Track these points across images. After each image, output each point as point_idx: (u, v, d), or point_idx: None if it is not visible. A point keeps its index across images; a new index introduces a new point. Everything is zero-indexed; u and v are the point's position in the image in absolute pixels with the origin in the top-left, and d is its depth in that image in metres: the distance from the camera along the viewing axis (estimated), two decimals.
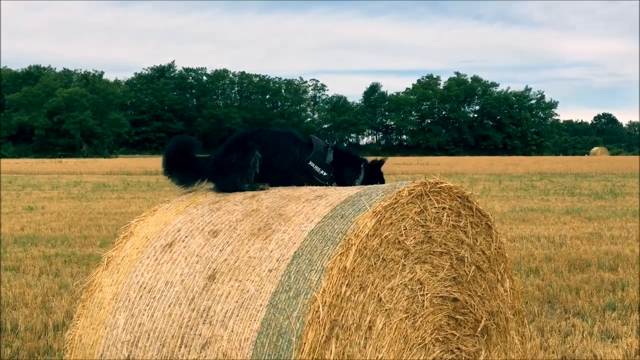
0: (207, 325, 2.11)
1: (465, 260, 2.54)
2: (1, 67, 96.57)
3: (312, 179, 2.76)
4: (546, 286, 7.58)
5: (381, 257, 2.18)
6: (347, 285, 2.03)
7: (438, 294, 2.42)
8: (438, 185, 2.41)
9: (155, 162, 52.30)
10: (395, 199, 2.24)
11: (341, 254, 2.04)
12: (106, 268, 2.59)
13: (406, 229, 2.27)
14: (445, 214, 2.44)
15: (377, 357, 2.14)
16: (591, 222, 13.97)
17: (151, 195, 20.65)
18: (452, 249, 2.49)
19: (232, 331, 2.05)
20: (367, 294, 2.11)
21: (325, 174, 2.75)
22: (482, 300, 2.62)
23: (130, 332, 2.30)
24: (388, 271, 2.21)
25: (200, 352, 2.07)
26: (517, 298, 2.84)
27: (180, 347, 2.14)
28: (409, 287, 2.29)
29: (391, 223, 2.21)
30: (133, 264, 2.50)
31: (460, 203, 2.52)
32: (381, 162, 2.90)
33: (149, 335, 2.24)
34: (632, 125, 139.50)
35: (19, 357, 4.89)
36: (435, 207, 2.40)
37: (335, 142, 2.96)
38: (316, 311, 1.93)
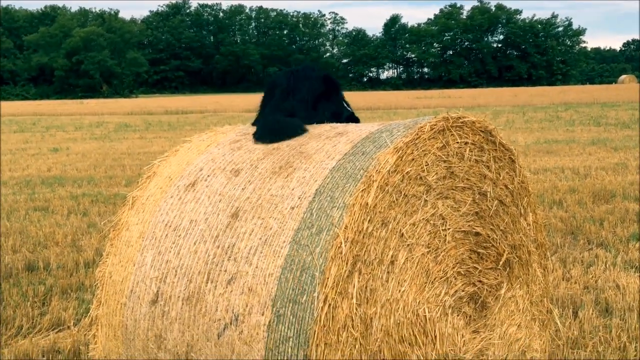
0: (232, 261, 2.15)
1: (488, 195, 2.53)
2: (17, 8, 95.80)
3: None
4: (569, 218, 7.57)
5: (403, 193, 2.17)
6: (369, 221, 2.04)
7: (460, 228, 2.43)
8: (460, 120, 2.37)
9: (176, 101, 52.34)
10: (417, 134, 2.21)
11: (363, 190, 2.04)
12: (132, 208, 2.64)
13: (428, 164, 2.25)
14: (468, 148, 2.41)
15: (400, 290, 2.17)
16: (617, 152, 13.76)
17: (173, 135, 20.78)
18: (475, 183, 2.47)
19: (256, 267, 2.09)
20: (389, 230, 2.13)
21: (351, 110, 2.75)
22: (505, 234, 2.62)
23: (158, 269, 2.36)
24: (410, 207, 2.22)
25: (227, 287, 2.13)
26: (539, 231, 2.84)
27: (207, 283, 2.19)
28: (431, 222, 2.30)
29: (413, 159, 2.19)
30: (157, 204, 2.54)
31: (483, 137, 2.48)
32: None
33: (176, 271, 2.30)
34: None
35: (52, 294, 5.08)
36: (457, 142, 2.36)
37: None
38: (339, 247, 1.96)
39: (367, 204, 2.02)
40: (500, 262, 2.59)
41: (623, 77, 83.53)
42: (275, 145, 2.52)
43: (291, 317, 1.94)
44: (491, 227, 2.56)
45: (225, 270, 2.15)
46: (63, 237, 6.91)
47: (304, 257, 1.99)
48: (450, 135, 2.33)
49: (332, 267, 1.93)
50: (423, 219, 2.25)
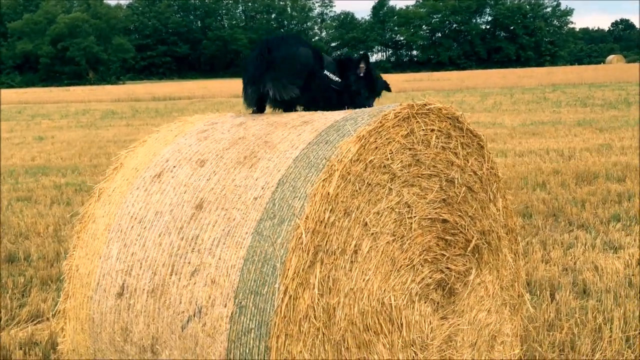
0: (196, 253, 2.14)
1: (456, 182, 2.52)
2: None
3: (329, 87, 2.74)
4: (552, 200, 7.60)
5: (366, 181, 2.16)
6: (330, 211, 2.03)
7: (427, 216, 2.42)
8: (426, 107, 2.35)
9: (163, 88, 51.92)
10: (381, 122, 2.20)
11: (324, 180, 2.02)
12: (98, 200, 2.62)
13: (392, 152, 2.23)
14: (434, 136, 2.39)
15: (364, 279, 2.17)
16: (602, 133, 13.82)
17: (160, 122, 20.63)
18: (442, 170, 2.46)
19: (219, 258, 2.08)
20: (352, 219, 2.12)
21: (338, 80, 2.74)
22: (473, 220, 2.62)
23: (124, 262, 2.34)
24: (374, 195, 2.21)
25: (190, 279, 2.12)
26: (510, 217, 2.84)
27: (171, 275, 2.18)
28: (396, 210, 2.29)
29: (376, 147, 2.18)
30: (123, 195, 2.52)
31: (450, 124, 2.47)
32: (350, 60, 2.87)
33: (141, 264, 2.28)
34: None
35: (32, 285, 5.06)
36: (423, 130, 2.35)
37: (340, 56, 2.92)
38: (299, 237, 1.95)
39: (328, 193, 2.01)
40: (469, 249, 2.59)
41: (611, 57, 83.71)
42: (241, 134, 2.50)
43: (253, 309, 1.94)
44: (459, 213, 2.55)
45: (189, 262, 2.14)
46: (45, 227, 6.87)
47: (265, 248, 1.99)
48: (415, 122, 2.32)
49: (292, 258, 1.92)
50: (388, 207, 2.24)
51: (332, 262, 2.04)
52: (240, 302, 1.95)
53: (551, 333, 3.86)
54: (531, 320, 3.85)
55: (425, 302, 2.44)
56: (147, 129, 18.22)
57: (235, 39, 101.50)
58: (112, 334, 2.30)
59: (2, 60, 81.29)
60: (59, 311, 2.58)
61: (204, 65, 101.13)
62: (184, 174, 2.41)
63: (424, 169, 2.38)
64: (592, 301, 4.39)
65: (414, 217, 2.35)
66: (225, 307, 1.98)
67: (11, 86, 72.44)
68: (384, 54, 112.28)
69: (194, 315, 2.04)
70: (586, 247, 5.77)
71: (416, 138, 2.33)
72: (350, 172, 2.08)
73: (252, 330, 1.91)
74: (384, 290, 2.24)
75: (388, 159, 2.21)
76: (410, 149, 2.31)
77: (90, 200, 2.66)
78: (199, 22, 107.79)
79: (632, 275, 4.92)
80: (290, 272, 1.89)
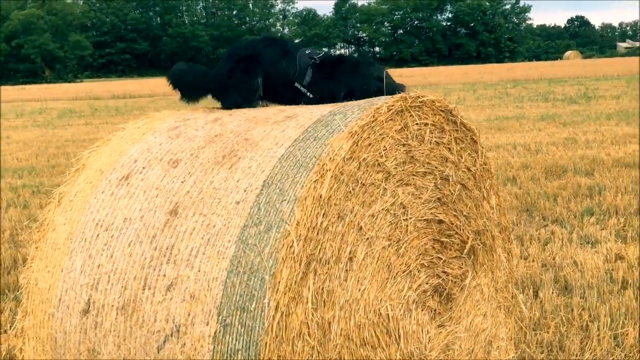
0: (172, 264, 1.91)
1: (450, 179, 2.36)
2: None
3: (302, 101, 2.55)
4: (524, 194, 7.57)
5: (360, 181, 1.97)
6: (323, 215, 1.83)
7: (422, 217, 2.25)
8: (419, 100, 2.17)
9: (123, 85, 50.79)
10: (373, 116, 2.01)
11: (315, 181, 1.82)
12: (58, 205, 2.36)
13: (386, 149, 2.05)
14: (428, 130, 2.22)
15: (360, 289, 1.98)
16: (566, 127, 13.99)
17: (120, 120, 20.07)
18: (436, 167, 2.29)
19: (199, 270, 1.86)
20: (345, 223, 1.92)
21: (311, 95, 2.52)
22: (468, 220, 2.46)
23: (89, 275, 2.10)
24: (368, 197, 2.02)
25: (166, 294, 1.89)
26: (503, 214, 2.69)
27: (144, 289, 1.95)
28: (391, 212, 2.11)
29: (369, 144, 1.99)
30: (87, 200, 2.27)
31: (443, 118, 2.30)
32: (359, 62, 2.64)
33: (109, 277, 2.04)
34: (604, 27, 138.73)
35: None
36: (417, 124, 2.17)
37: (322, 54, 2.68)
38: (290, 246, 1.74)
39: (320, 196, 1.81)
40: (465, 250, 2.43)
41: (568, 53, 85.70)
42: (218, 131, 2.28)
43: (239, 327, 1.72)
44: (454, 213, 2.39)
45: (164, 275, 1.91)
46: (1, 232, 6.48)
47: (251, 259, 1.78)
48: (409, 116, 2.14)
49: (283, 269, 1.71)
50: (383, 209, 2.06)
51: (326, 272, 1.85)
52: (225, 320, 1.74)
53: (538, 332, 3.75)
54: (518, 320, 3.73)
55: (422, 310, 2.26)
56: (107, 127, 17.69)
57: (196, 35, 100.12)
58: (78, 355, 2.06)
59: None
60: (17, 330, 2.31)
61: (164, 62, 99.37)
62: (155, 176, 2.18)
63: (419, 166, 2.21)
64: (576, 298, 4.30)
65: (410, 218, 2.17)
66: (207, 325, 1.76)
67: None
68: (347, 50, 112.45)
69: (171, 335, 1.82)
70: (563, 242, 5.71)
71: (410, 133, 2.15)
72: (343, 171, 1.89)
73: (239, 352, 1.70)
74: (381, 300, 2.05)
75: (382, 156, 2.02)
76: (404, 145, 2.13)
77: (50, 206, 2.40)
78: (158, 19, 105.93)
79: (613, 270, 4.87)
80: (282, 286, 1.69)
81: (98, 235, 2.14)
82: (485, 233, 2.55)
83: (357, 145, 1.93)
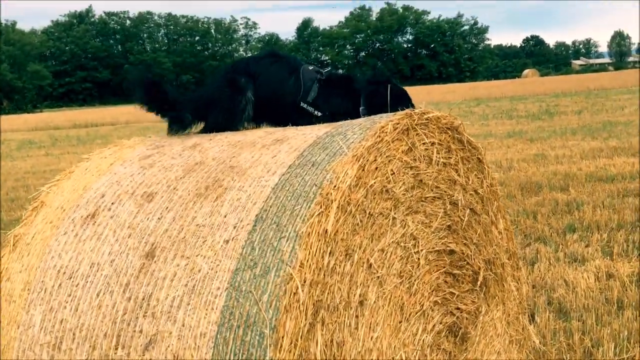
0: (150, 318, 1.61)
1: (459, 204, 2.12)
2: None
3: (311, 122, 2.26)
4: None
5: (367, 212, 1.72)
6: (329, 253, 1.57)
7: (433, 248, 2.00)
8: (425, 116, 1.94)
9: (84, 114, 49.75)
10: (379, 136, 1.76)
11: (319, 213, 1.56)
12: (13, 250, 2.03)
13: (394, 173, 1.80)
14: (435, 150, 1.99)
15: (372, 336, 1.71)
16: (534, 143, 14.05)
17: (82, 150, 19.47)
18: (445, 191, 2.06)
19: (183, 325, 1.56)
20: (354, 262, 1.66)
21: (319, 114, 2.25)
22: (478, 248, 2.23)
23: (50, 332, 1.78)
24: (377, 229, 1.76)
25: (144, 354, 1.59)
26: (510, 239, 2.47)
27: (117, 349, 1.64)
28: (402, 244, 1.86)
29: (376, 168, 1.74)
30: (47, 243, 1.95)
31: (449, 136, 2.07)
32: (384, 80, 2.37)
33: (74, 334, 1.73)
34: (558, 45, 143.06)
35: None
36: (424, 143, 1.94)
37: (329, 69, 2.42)
38: (294, 292, 1.47)
39: (326, 230, 1.55)
40: (478, 283, 2.19)
41: (526, 71, 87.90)
42: (198, 158, 2.00)
43: None
44: (464, 241, 2.15)
45: (141, 331, 1.61)
46: None
47: (247, 309, 1.49)
48: (415, 135, 1.90)
49: (286, 321, 1.44)
50: (393, 242, 1.80)
51: (335, 321, 1.58)
52: None
53: None
54: (529, 354, 3.50)
55: (437, 354, 2.00)
56: (70, 157, 17.09)
57: (158, 62, 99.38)
58: None
59: None
60: None
61: (126, 90, 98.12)
62: (126, 213, 1.88)
63: (427, 190, 1.97)
64: (575, 322, 4.10)
65: (421, 250, 1.92)
66: None
67: None
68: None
69: None
70: (550, 261, 5.54)
71: (418, 154, 1.91)
72: (350, 201, 1.63)
73: None
74: (395, 348, 1.79)
75: (390, 181, 1.77)
76: (412, 168, 1.89)
77: (4, 250, 2.07)
78: (119, 46, 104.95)
79: (606, 289, 4.70)
80: (285, 341, 1.41)
81: (60, 284, 1.83)
82: (495, 261, 2.32)
83: (363, 170, 1.68)
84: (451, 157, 2.08)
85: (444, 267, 2.06)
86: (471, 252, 2.18)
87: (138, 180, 1.99)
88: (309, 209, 1.58)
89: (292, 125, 2.21)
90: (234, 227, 1.64)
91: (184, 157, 2.04)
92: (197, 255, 1.64)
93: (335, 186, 1.61)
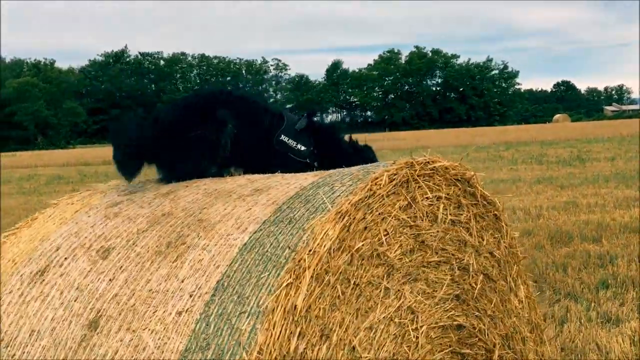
0: None
1: (470, 269, 1.81)
2: None
3: (287, 160, 1.99)
4: (530, 264, 7.00)
5: (352, 281, 1.43)
6: (299, 335, 1.27)
7: (437, 322, 1.69)
8: (430, 166, 1.66)
9: None
10: (370, 189, 1.48)
11: (288, 284, 1.28)
12: None
13: (388, 234, 1.51)
14: (442, 206, 1.70)
15: None
16: (564, 190, 13.57)
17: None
18: (453, 255, 1.75)
19: None
20: (332, 344, 1.36)
21: (303, 147, 1.99)
22: (494, 321, 1.90)
23: None
24: (364, 302, 1.46)
25: None
26: (533, 309, 2.13)
27: None
28: (396, 320, 1.55)
29: (366, 227, 1.45)
30: None
31: (460, 189, 1.78)
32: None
33: None
34: (590, 91, 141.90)
35: None
36: (427, 198, 1.65)
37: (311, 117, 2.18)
38: None
39: (295, 306, 1.26)
40: None
41: (557, 116, 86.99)
42: (167, 208, 1.74)
43: None
44: (476, 313, 1.83)
45: None
46: None
47: None
48: (417, 188, 1.61)
49: None
50: (385, 317, 1.50)
51: None
52: None
53: None
54: None
55: None
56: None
57: None
58: None
59: None
60: None
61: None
62: (77, 271, 1.62)
63: (431, 254, 1.67)
64: None
65: (421, 327, 1.61)
66: None
67: None
68: (339, 114, 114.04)
69: None
70: (581, 321, 5.10)
71: (419, 210, 1.62)
72: (328, 269, 1.34)
73: None
74: None
75: (382, 244, 1.49)
76: (411, 227, 1.59)
77: None
78: (153, 86, 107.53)
79: None
80: None
81: None
82: (515, 336, 1.99)
83: (348, 230, 1.39)
84: (461, 214, 1.78)
85: (449, 346, 1.73)
86: (485, 326, 1.85)
87: (98, 232, 1.74)
88: (278, 277, 1.30)
89: (267, 166, 1.94)
90: (190, 296, 1.37)
91: (153, 207, 1.78)
92: (144, 329, 1.36)
93: (311, 250, 1.32)
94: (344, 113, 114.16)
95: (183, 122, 1.93)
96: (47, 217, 1.99)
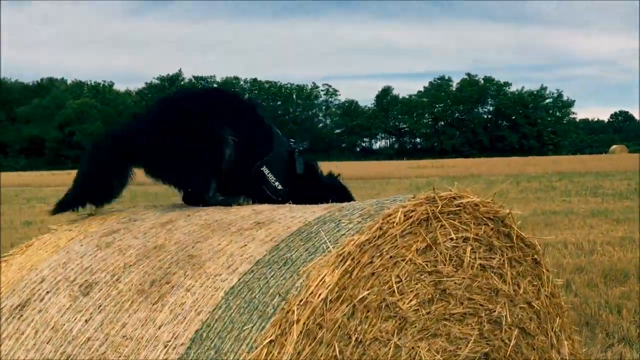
0: None
1: (503, 322, 1.56)
2: (12, 81, 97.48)
3: (259, 193, 1.81)
4: (582, 304, 6.55)
5: (354, 338, 1.21)
6: None
7: None
8: (455, 202, 1.43)
9: None
10: (380, 228, 1.27)
11: (271, 341, 1.08)
12: None
13: (401, 280, 1.29)
14: (469, 248, 1.46)
15: None
16: (620, 224, 12.88)
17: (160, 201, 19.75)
18: (482, 305, 1.51)
19: None
20: None
21: (280, 187, 1.79)
22: None
23: None
24: None
25: None
26: None
27: None
28: None
29: (373, 273, 1.24)
30: None
31: (492, 229, 1.54)
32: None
33: None
34: None
35: None
36: (451, 239, 1.42)
37: (304, 145, 2.00)
38: None
39: None
40: None
41: (614, 147, 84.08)
42: (161, 240, 1.57)
43: None
44: None
45: None
46: None
47: None
48: (439, 227, 1.39)
49: None
50: None
51: None
52: None
53: None
54: None
55: None
56: None
57: None
58: None
59: (9, 143, 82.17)
60: None
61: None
62: (56, 308, 1.46)
63: (454, 305, 1.43)
64: None
65: None
66: None
67: (15, 169, 72.68)
68: (388, 141, 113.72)
69: None
70: None
71: (441, 254, 1.39)
72: (323, 322, 1.14)
73: None
74: None
75: (394, 292, 1.27)
76: (431, 273, 1.37)
77: None
78: None
79: None
80: None
81: None
82: None
83: (350, 276, 1.18)
84: (493, 258, 1.54)
85: None
86: None
87: (85, 264, 1.58)
88: (262, 331, 1.10)
89: (237, 192, 1.74)
90: (165, 347, 1.18)
91: (147, 237, 1.62)
92: None
93: (302, 300, 1.12)
94: (393, 139, 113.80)
95: (173, 131, 1.75)
96: (42, 243, 1.86)
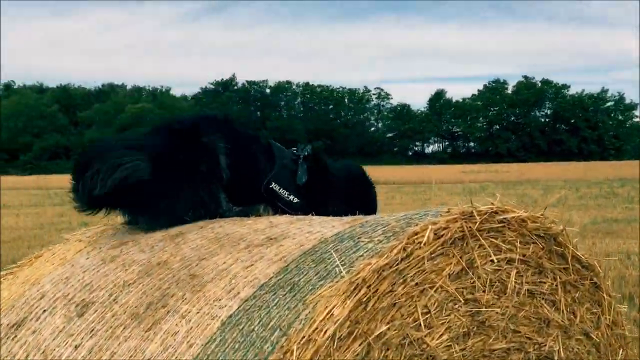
0: None
1: (556, 357, 1.33)
2: (75, 86, 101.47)
3: (277, 209, 1.66)
4: None
5: None
6: None
7: None
8: (497, 217, 1.22)
9: None
10: (405, 249, 1.07)
11: None
12: None
13: (429, 312, 1.09)
14: (514, 271, 1.24)
15: None
16: None
17: None
18: (530, 339, 1.29)
19: None
20: None
21: (295, 200, 1.64)
22: None
23: None
24: None
25: None
26: None
27: None
28: None
29: (395, 304, 1.04)
30: None
31: (542, 249, 1.31)
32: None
33: None
34: None
35: None
36: (492, 262, 1.21)
37: (307, 150, 1.84)
38: None
39: None
40: None
41: None
42: (166, 256, 1.42)
43: None
44: None
45: None
46: None
47: None
48: (477, 247, 1.18)
49: None
50: None
51: None
52: None
53: None
54: None
55: None
56: None
57: (292, 128, 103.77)
58: None
59: (71, 147, 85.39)
60: None
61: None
62: (50, 329, 1.33)
63: (496, 338, 1.22)
64: None
65: None
66: None
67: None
68: (441, 144, 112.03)
69: None
70: None
71: (479, 278, 1.18)
72: None
73: None
74: None
75: (420, 326, 1.07)
76: (466, 302, 1.16)
77: None
78: (258, 112, 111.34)
79: None
80: None
81: None
82: None
83: (365, 308, 0.99)
84: (544, 283, 1.31)
85: None
86: None
87: (87, 280, 1.45)
88: None
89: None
90: None
91: (153, 252, 1.47)
92: None
93: (304, 337, 0.93)
94: (446, 143, 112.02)
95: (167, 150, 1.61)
96: (51, 255, 1.74)
